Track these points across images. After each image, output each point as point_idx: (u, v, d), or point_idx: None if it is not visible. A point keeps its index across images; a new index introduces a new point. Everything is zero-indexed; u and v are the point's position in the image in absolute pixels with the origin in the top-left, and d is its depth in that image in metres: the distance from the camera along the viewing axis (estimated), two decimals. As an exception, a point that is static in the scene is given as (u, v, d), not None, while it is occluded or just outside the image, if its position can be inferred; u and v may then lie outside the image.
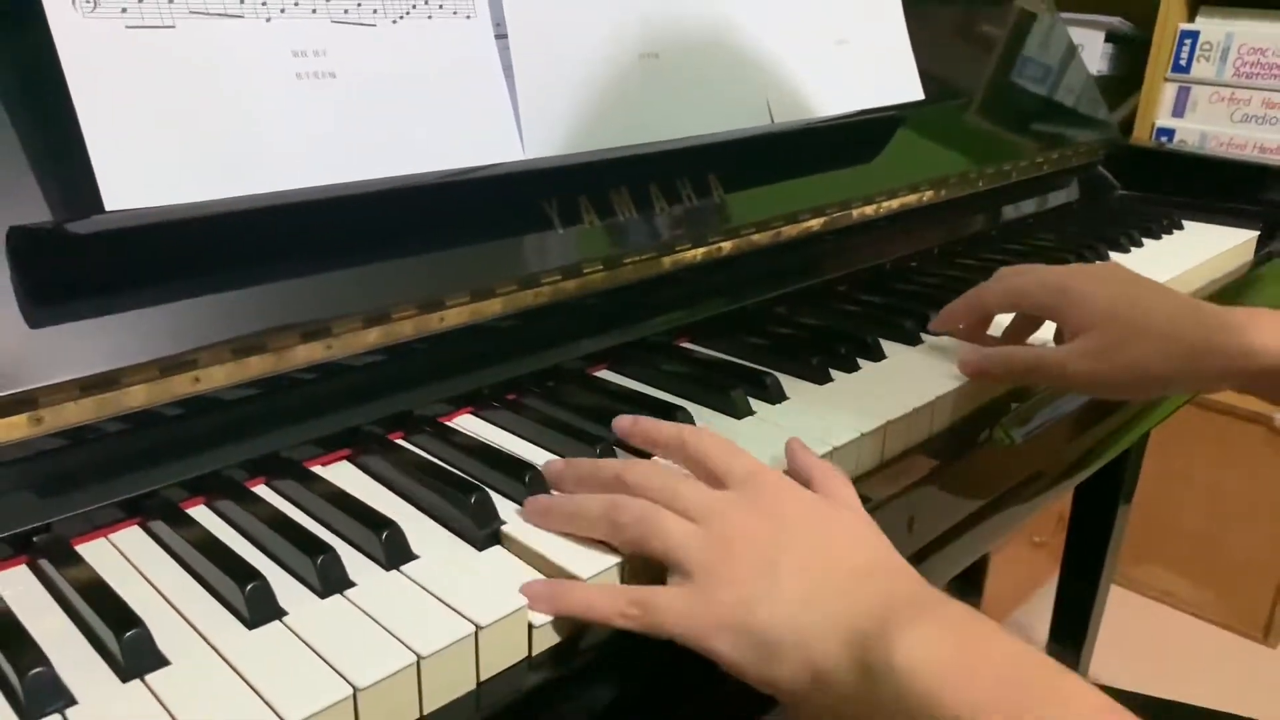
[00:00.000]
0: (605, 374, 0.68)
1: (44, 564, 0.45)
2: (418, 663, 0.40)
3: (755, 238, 0.79)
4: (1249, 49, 1.78)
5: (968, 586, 1.65)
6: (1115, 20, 1.90)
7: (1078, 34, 1.91)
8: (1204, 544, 1.87)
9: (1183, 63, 1.85)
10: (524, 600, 0.43)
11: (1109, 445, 0.91)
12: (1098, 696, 0.37)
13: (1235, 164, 1.30)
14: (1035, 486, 0.76)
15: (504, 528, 0.49)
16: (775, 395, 0.64)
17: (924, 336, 0.75)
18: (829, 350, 0.69)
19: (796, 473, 0.52)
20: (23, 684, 0.37)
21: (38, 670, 0.37)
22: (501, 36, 0.61)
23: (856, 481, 0.59)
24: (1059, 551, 1.51)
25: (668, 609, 0.43)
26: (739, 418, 0.61)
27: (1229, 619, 1.87)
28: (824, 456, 0.57)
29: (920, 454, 0.64)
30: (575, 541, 0.48)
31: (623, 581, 0.47)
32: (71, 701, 0.37)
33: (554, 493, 0.51)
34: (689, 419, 0.59)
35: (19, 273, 0.46)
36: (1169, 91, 1.88)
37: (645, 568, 0.47)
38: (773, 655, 0.42)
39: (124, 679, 0.39)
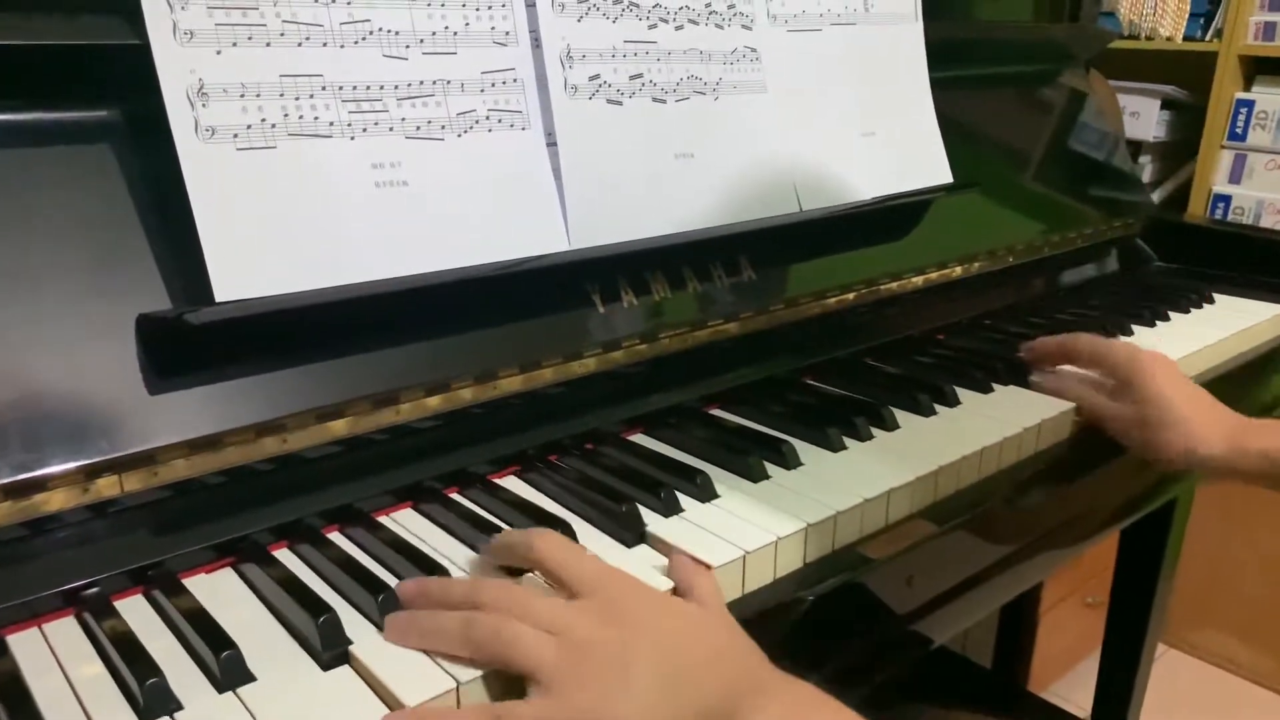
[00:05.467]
0: (639, 437, 0.76)
1: (156, 594, 0.55)
2: (457, 687, 0.48)
3: (784, 313, 0.86)
4: (1305, 118, 1.81)
5: (1017, 646, 1.67)
6: (1170, 89, 1.94)
7: (1134, 101, 1.95)
8: (1264, 609, 1.86)
9: (1239, 131, 1.88)
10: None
11: (1133, 507, 0.96)
12: None
13: (1272, 239, 1.33)
14: (1036, 550, 0.81)
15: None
16: (791, 461, 0.71)
17: (937, 408, 0.81)
18: (845, 420, 0.76)
19: (673, 577, 0.57)
20: (142, 691, 0.46)
21: (154, 680, 0.46)
22: (552, 144, 0.70)
23: (861, 543, 0.66)
24: (1114, 613, 1.52)
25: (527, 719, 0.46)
26: (755, 481, 0.68)
27: (1290, 687, 1.85)
28: (827, 521, 0.64)
29: (922, 518, 0.70)
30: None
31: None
32: (179, 707, 0.46)
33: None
34: (708, 482, 0.66)
35: (145, 352, 0.57)
36: (1225, 159, 1.91)
37: (507, 689, 0.49)
38: None
39: (220, 690, 0.47)
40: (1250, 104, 1.85)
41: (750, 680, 0.49)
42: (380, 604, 0.52)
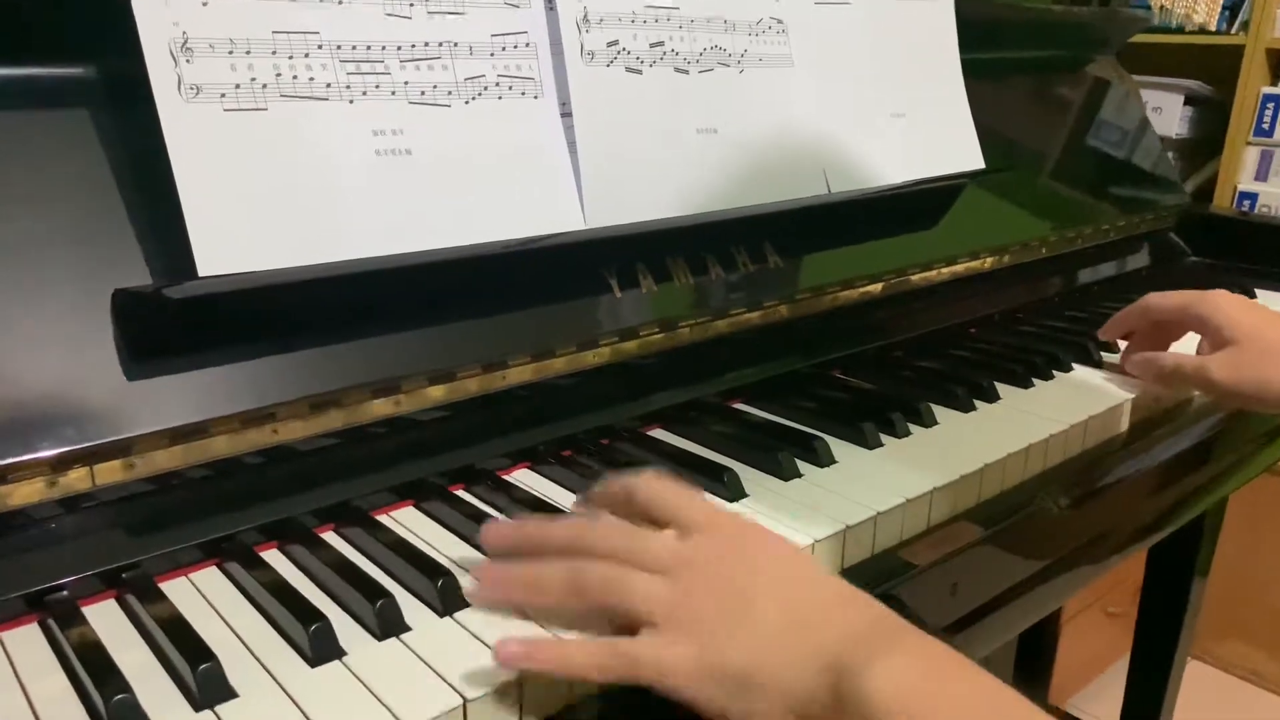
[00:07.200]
0: (658, 433, 0.70)
1: (130, 599, 0.49)
2: (464, 705, 0.42)
3: (810, 302, 0.81)
4: (1334, 113, 1.76)
5: (1038, 657, 1.61)
6: (1194, 84, 1.89)
7: (1156, 97, 1.90)
8: (1292, 621, 1.81)
9: (1265, 126, 1.83)
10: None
11: (1174, 514, 0.90)
12: None
13: (1312, 232, 1.28)
14: (1090, 554, 0.75)
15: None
16: (824, 459, 0.66)
17: (977, 404, 0.76)
18: (879, 416, 0.70)
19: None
20: (108, 709, 0.40)
21: (121, 697, 0.41)
22: (566, 115, 0.65)
23: (901, 547, 0.61)
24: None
25: (643, 657, 0.44)
26: (786, 480, 0.63)
27: (1319, 701, 1.79)
28: (866, 522, 0.58)
29: (967, 520, 0.65)
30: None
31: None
32: (150, 727, 0.41)
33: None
34: (736, 480, 0.61)
35: (121, 330, 0.51)
36: (1251, 155, 1.86)
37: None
38: (749, 692, 0.43)
39: (197, 709, 0.42)
40: (1277, 99, 1.80)
41: (876, 628, 0.44)
42: (378, 611, 0.47)
